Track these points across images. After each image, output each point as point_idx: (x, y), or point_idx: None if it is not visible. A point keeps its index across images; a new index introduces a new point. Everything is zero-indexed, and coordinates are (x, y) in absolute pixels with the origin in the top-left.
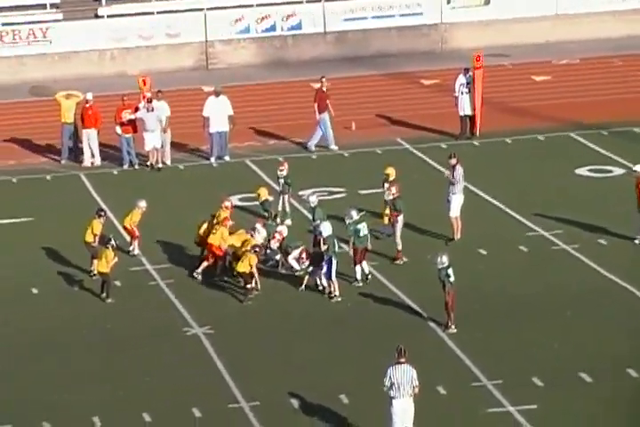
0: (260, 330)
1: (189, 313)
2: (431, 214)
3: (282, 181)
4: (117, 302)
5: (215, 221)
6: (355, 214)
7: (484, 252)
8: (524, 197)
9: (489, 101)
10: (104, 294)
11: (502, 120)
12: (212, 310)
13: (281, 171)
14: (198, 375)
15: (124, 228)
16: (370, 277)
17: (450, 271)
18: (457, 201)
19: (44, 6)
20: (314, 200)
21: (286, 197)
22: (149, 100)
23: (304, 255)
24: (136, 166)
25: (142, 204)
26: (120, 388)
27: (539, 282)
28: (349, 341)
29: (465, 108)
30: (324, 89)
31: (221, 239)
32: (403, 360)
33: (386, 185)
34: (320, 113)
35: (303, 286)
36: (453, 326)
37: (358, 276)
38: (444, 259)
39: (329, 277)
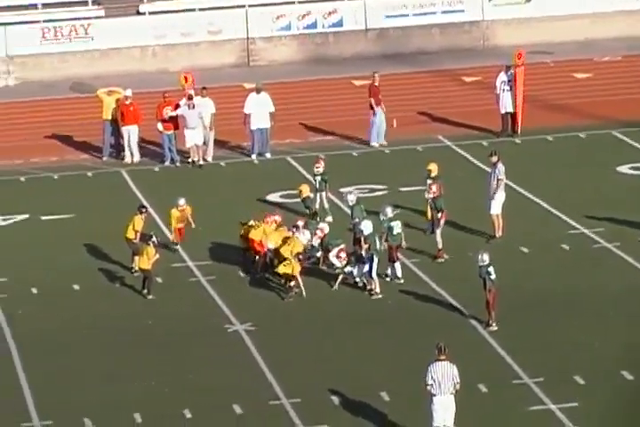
0: (301, 327)
1: (231, 310)
2: (472, 212)
3: (318, 178)
4: (159, 298)
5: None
6: (389, 211)
7: (525, 250)
8: (565, 194)
9: (530, 99)
10: (145, 291)
11: (543, 118)
12: (253, 306)
13: (317, 168)
14: (239, 372)
15: (177, 229)
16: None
17: (491, 269)
18: (498, 199)
19: (85, 3)
20: (352, 199)
21: (324, 194)
22: (190, 97)
23: (342, 254)
24: (177, 163)
25: (181, 201)
26: (161, 384)
27: (580, 280)
28: (390, 338)
29: (506, 105)
30: (377, 84)
31: (263, 235)
32: (443, 357)
33: (428, 181)
34: (375, 107)
35: (337, 286)
36: (494, 324)
37: (399, 273)
38: (485, 257)
39: (370, 275)
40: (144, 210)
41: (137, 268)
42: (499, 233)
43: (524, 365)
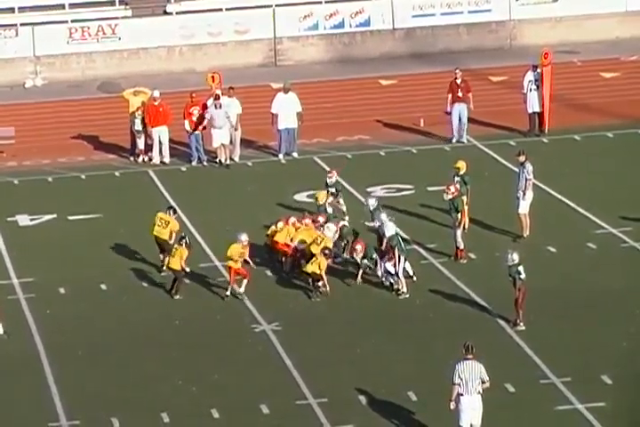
0: (328, 327)
1: (257, 310)
2: (500, 212)
3: (332, 189)
4: (186, 298)
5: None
6: (372, 202)
7: (552, 249)
8: (592, 194)
9: (558, 98)
10: (173, 291)
11: (571, 117)
12: (280, 306)
13: (330, 178)
14: (266, 372)
15: (229, 267)
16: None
17: (520, 269)
18: (526, 198)
19: (113, 3)
20: (372, 203)
21: (341, 200)
22: (217, 97)
23: (358, 246)
24: (205, 163)
25: (243, 237)
26: (188, 384)
27: (607, 280)
28: (418, 338)
29: (534, 104)
30: (458, 81)
31: (287, 236)
32: (470, 356)
33: (456, 179)
34: (452, 104)
35: (359, 279)
36: (522, 324)
37: (410, 272)
38: (515, 256)
39: (397, 275)
40: (173, 211)
41: (166, 268)
42: (526, 233)
43: (551, 364)
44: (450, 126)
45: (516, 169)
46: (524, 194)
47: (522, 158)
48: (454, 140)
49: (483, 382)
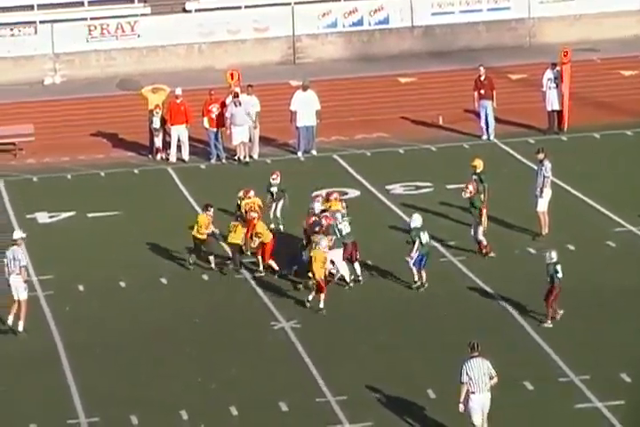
0: (347, 324)
1: (276, 307)
2: (519, 209)
3: (275, 189)
4: (205, 295)
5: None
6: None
7: (571, 247)
8: (612, 192)
9: (577, 96)
10: (232, 265)
11: (590, 115)
12: (299, 304)
13: (274, 180)
14: (285, 370)
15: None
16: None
17: (558, 267)
18: (545, 196)
19: (132, 0)
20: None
21: (280, 203)
22: (236, 95)
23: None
24: (223, 160)
25: (323, 243)
26: (207, 382)
27: (626, 278)
28: (437, 335)
29: (553, 102)
30: (482, 78)
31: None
32: (476, 354)
33: (473, 177)
34: (479, 100)
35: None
36: (549, 321)
37: (358, 272)
38: (554, 254)
39: (418, 267)
40: (209, 208)
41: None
42: (545, 230)
43: (570, 362)
44: (478, 124)
45: (535, 167)
46: (542, 192)
47: (541, 156)
48: (484, 138)
49: (491, 378)
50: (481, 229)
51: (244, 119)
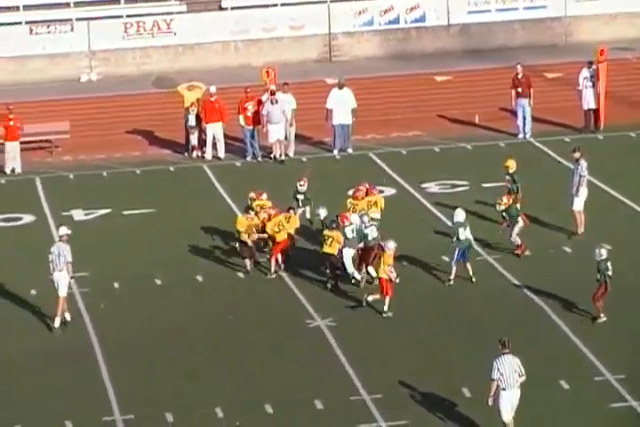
0: (383, 322)
1: (312, 305)
2: (553, 208)
3: (301, 196)
4: (240, 293)
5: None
6: (362, 220)
7: (608, 246)
8: None
9: (613, 95)
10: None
11: (626, 114)
12: (334, 302)
13: (301, 186)
14: (320, 368)
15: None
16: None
17: (609, 264)
18: (581, 195)
19: None
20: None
21: (307, 208)
22: (273, 93)
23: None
24: (259, 158)
25: (391, 245)
26: (243, 380)
27: None
28: (472, 334)
29: (589, 101)
30: (519, 76)
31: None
32: (507, 351)
33: (507, 178)
34: (517, 99)
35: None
36: (602, 315)
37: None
38: (603, 251)
39: (461, 260)
40: (250, 211)
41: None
42: (581, 229)
43: (605, 361)
44: (514, 122)
45: (571, 166)
46: (578, 191)
47: (577, 155)
48: (520, 136)
49: (520, 376)
50: (516, 230)
51: (280, 117)
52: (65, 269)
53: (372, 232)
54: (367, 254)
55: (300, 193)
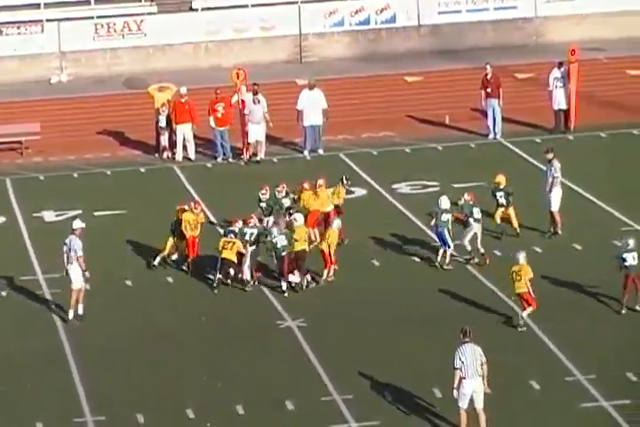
0: (353, 322)
1: (282, 306)
2: (525, 208)
3: (264, 204)
4: (210, 295)
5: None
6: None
7: (578, 247)
8: (619, 191)
9: (583, 95)
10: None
11: (597, 114)
12: (305, 302)
13: (263, 195)
14: (291, 368)
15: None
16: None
17: (635, 255)
18: (557, 195)
19: None
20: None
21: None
22: (256, 92)
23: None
24: (230, 159)
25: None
26: (213, 380)
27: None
28: (442, 335)
29: (559, 102)
30: (489, 76)
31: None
32: (468, 340)
33: (497, 193)
34: (486, 99)
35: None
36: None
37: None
38: (631, 242)
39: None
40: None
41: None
42: (559, 230)
43: (575, 361)
44: (484, 122)
45: (542, 166)
46: (551, 191)
47: (550, 156)
48: (490, 137)
49: (482, 364)
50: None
51: (261, 117)
52: (75, 263)
53: (280, 241)
54: (281, 264)
55: (262, 201)
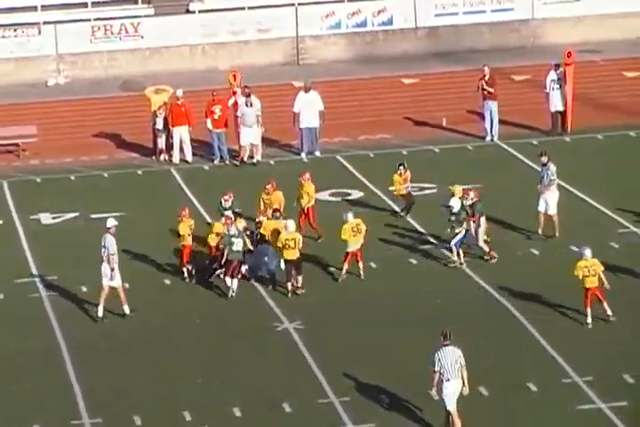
0: (351, 325)
1: (280, 308)
2: (522, 210)
3: (228, 212)
4: (207, 297)
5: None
6: (233, 229)
7: (575, 248)
8: (615, 193)
9: (580, 97)
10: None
11: (593, 116)
12: (302, 305)
13: (225, 201)
14: (288, 371)
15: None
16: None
17: None
18: (553, 198)
19: (135, 1)
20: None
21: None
22: (249, 95)
23: None
24: (227, 161)
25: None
26: (210, 383)
27: (629, 278)
28: (439, 337)
29: (556, 104)
30: (486, 77)
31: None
32: (448, 342)
33: (453, 200)
34: (484, 101)
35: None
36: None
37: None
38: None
39: (455, 245)
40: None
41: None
42: (556, 233)
43: (573, 363)
44: (482, 124)
45: (538, 168)
46: (548, 194)
47: (544, 159)
48: (488, 139)
49: (461, 367)
50: (482, 236)
51: (253, 120)
52: (106, 261)
53: (237, 243)
54: (229, 264)
55: (225, 209)
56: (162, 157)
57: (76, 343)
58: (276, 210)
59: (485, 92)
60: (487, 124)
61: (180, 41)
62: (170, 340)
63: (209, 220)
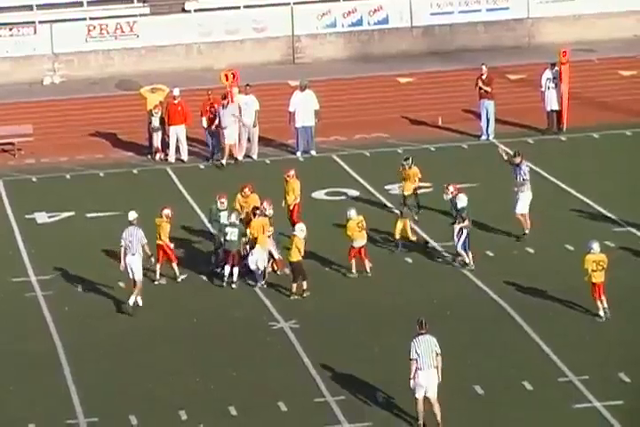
0: (346, 325)
1: (275, 307)
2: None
3: (224, 213)
4: (202, 296)
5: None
6: (234, 217)
7: (570, 247)
8: (611, 192)
9: (576, 96)
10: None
11: (589, 115)
12: (297, 304)
13: (222, 204)
14: (284, 370)
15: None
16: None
17: None
18: (525, 198)
19: (131, 1)
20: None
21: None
22: (224, 97)
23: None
24: (223, 161)
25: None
26: (206, 382)
27: (624, 277)
28: (436, 335)
29: (551, 102)
30: (484, 76)
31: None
32: (424, 331)
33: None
34: (480, 100)
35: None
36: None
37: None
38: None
39: (462, 248)
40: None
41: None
42: (526, 230)
43: (568, 362)
44: (477, 123)
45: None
46: (521, 194)
47: (517, 160)
48: (483, 138)
49: (437, 355)
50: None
51: (229, 121)
52: (138, 253)
53: (232, 233)
54: (226, 256)
55: (220, 210)
56: (157, 156)
57: (72, 343)
58: (255, 208)
59: (482, 91)
60: (483, 123)
61: (176, 40)
62: (166, 339)
63: (204, 219)
